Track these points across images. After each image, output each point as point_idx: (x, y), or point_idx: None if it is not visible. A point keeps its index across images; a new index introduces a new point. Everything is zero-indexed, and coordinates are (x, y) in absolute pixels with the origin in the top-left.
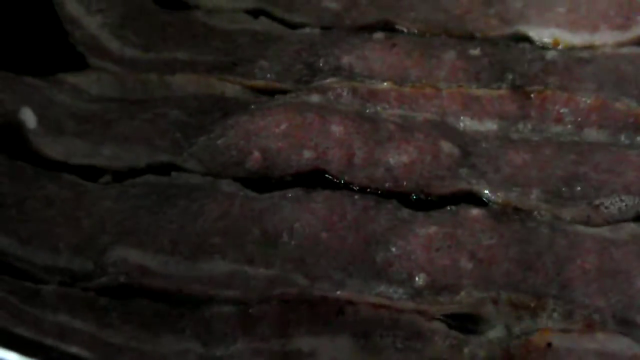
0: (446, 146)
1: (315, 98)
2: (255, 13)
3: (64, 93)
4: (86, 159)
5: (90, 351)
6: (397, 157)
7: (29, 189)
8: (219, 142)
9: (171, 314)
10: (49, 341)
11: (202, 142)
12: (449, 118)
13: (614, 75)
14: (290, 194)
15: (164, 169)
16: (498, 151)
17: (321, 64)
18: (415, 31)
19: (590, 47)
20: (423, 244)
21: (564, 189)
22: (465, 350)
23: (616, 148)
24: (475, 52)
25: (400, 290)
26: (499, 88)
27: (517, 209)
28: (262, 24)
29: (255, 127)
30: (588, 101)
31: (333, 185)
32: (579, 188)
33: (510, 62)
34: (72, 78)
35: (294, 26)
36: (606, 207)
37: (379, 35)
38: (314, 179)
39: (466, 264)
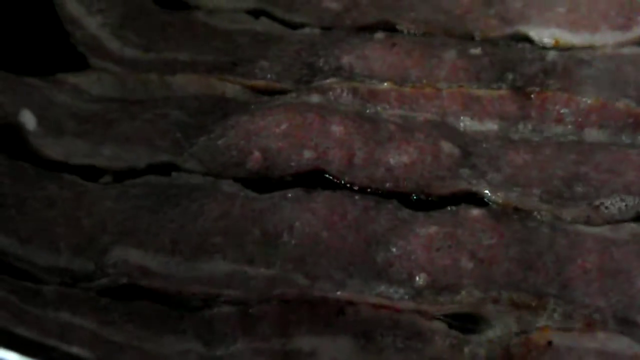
0: (446, 146)
1: (315, 98)
2: (255, 13)
3: (64, 93)
4: (86, 159)
5: (92, 351)
6: (398, 157)
7: (29, 189)
8: (219, 142)
9: (172, 314)
10: (50, 341)
11: (203, 142)
12: (450, 118)
13: (615, 75)
14: (290, 194)
15: (165, 169)
16: (498, 151)
17: (321, 64)
18: (416, 32)
19: (590, 48)
20: (423, 244)
21: (564, 189)
22: (466, 349)
23: (617, 148)
24: (476, 51)
25: (401, 291)
26: (500, 88)
27: (517, 209)
28: (263, 24)
29: (255, 127)
30: (588, 101)
31: (333, 185)
32: (579, 188)
33: (510, 62)
34: (72, 78)
35: (294, 26)
36: (606, 207)
37: (379, 35)
38: (314, 179)
39: (467, 264)
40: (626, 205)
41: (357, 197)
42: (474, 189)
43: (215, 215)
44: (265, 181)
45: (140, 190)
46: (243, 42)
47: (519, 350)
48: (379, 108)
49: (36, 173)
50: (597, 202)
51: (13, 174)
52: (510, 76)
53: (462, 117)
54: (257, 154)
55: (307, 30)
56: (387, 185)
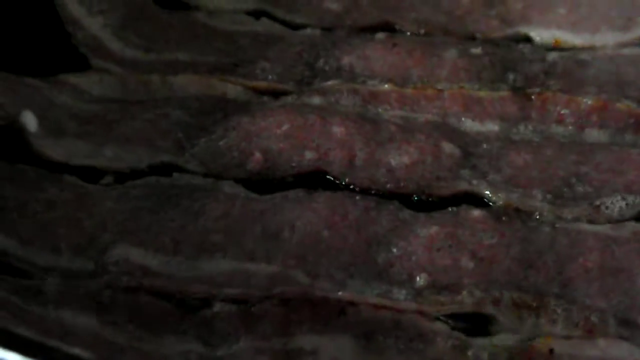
0: (447, 147)
1: (316, 99)
2: (256, 14)
3: (65, 94)
4: (88, 160)
5: (92, 351)
6: (399, 158)
7: (30, 191)
8: (220, 143)
9: (173, 314)
10: (51, 341)
11: (204, 143)
12: (450, 119)
13: (615, 76)
14: (291, 194)
15: (166, 170)
16: (499, 152)
17: (322, 65)
18: (416, 32)
19: (591, 48)
20: (424, 244)
21: (565, 189)
22: (469, 352)
23: (617, 148)
24: (477, 51)
25: (402, 291)
26: (500, 89)
27: (518, 210)
28: (264, 25)
29: (256, 128)
30: (589, 102)
31: (334, 186)
32: (580, 188)
33: (511, 63)
34: (73, 79)
35: (295, 27)
36: (607, 207)
37: (380, 35)
38: (315, 180)
39: (467, 264)
40: (627, 205)
41: (358, 197)
42: (475, 189)
43: (216, 215)
44: (266, 182)
45: (141, 191)
46: (244, 42)
47: (522, 357)
48: (379, 109)
49: (37, 175)
50: (598, 202)
51: (14, 176)
52: (510, 76)
53: (463, 118)
54: (258, 154)
55: (307, 31)
56: (388, 186)
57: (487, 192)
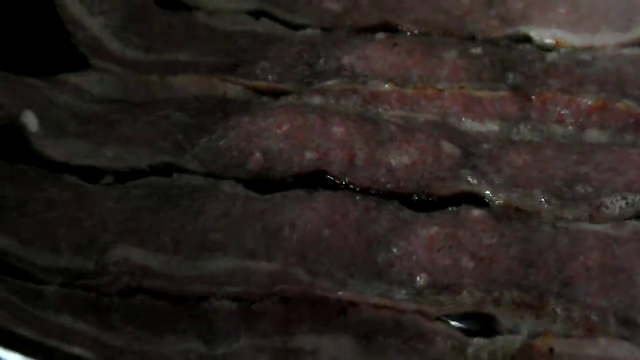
0: (448, 147)
1: (316, 100)
2: (256, 14)
3: (66, 94)
4: (88, 160)
5: (93, 352)
6: (399, 158)
7: (30, 191)
8: (220, 143)
9: (173, 314)
10: (52, 342)
11: (204, 143)
12: (451, 119)
13: (615, 76)
14: (291, 194)
15: (166, 170)
16: (499, 152)
17: (323, 65)
18: (416, 33)
19: (591, 49)
20: (424, 244)
21: (565, 189)
22: (469, 352)
23: (618, 148)
24: (477, 51)
25: (402, 291)
26: (500, 89)
27: (518, 210)
28: (264, 26)
29: (256, 129)
30: (589, 102)
31: (334, 187)
32: (580, 188)
33: (511, 63)
34: (74, 79)
35: (295, 27)
36: (608, 207)
37: (380, 35)
38: (315, 180)
39: (467, 264)
40: (627, 204)
41: (358, 197)
42: (475, 189)
43: (216, 215)
44: (266, 182)
45: (141, 191)
46: (244, 43)
47: (522, 357)
48: (380, 109)
49: (37, 175)
50: (598, 202)
51: (14, 176)
52: (511, 77)
53: (463, 118)
54: (258, 155)
55: (308, 31)
56: (389, 186)
57: (488, 192)
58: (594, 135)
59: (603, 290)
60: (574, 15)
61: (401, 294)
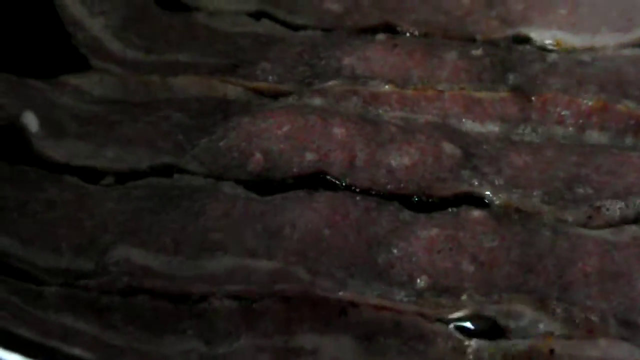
0: (448, 148)
1: (317, 101)
2: (257, 15)
3: (66, 95)
4: (89, 160)
5: (93, 353)
6: (399, 158)
7: (30, 192)
8: (220, 144)
9: (173, 313)
10: (52, 342)
11: (204, 144)
12: (451, 120)
13: (616, 77)
14: (291, 195)
15: (166, 170)
16: (500, 153)
17: (323, 66)
18: (417, 33)
19: (591, 49)
20: (424, 245)
21: (565, 191)
22: (468, 353)
23: (618, 150)
24: (477, 52)
25: (402, 292)
26: (501, 89)
27: (518, 211)
28: (264, 26)
29: (257, 129)
30: (589, 103)
31: (335, 187)
32: (580, 190)
33: (511, 64)
34: (74, 80)
35: (295, 28)
36: (607, 209)
37: (380, 36)
38: (315, 181)
39: (468, 267)
40: (627, 207)
41: (358, 198)
42: (475, 190)
43: (216, 215)
44: (266, 183)
45: (142, 191)
46: (244, 43)
47: (522, 358)
48: (380, 110)
49: (37, 176)
50: (598, 204)
51: (14, 177)
52: (511, 77)
53: (463, 119)
54: (258, 155)
55: (308, 32)
56: (389, 187)
57: (488, 193)
58: (594, 136)
59: (602, 294)
60: (574, 16)
61: (401, 295)
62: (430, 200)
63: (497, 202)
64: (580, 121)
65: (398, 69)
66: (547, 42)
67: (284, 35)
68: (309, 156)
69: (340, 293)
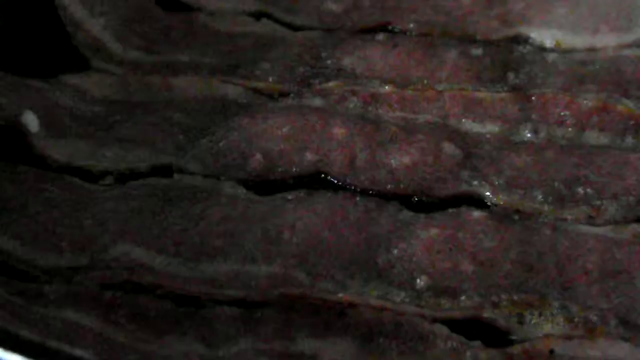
0: (448, 148)
1: (317, 101)
2: (257, 15)
3: (66, 95)
4: (89, 161)
5: (94, 352)
6: (399, 158)
7: (31, 192)
8: (221, 144)
9: (174, 314)
10: (53, 343)
11: (204, 144)
12: (451, 120)
13: (616, 77)
14: (291, 196)
15: (166, 171)
16: (500, 153)
17: (323, 66)
18: (417, 33)
19: (591, 49)
20: (424, 246)
21: (565, 191)
22: (467, 353)
23: (618, 151)
24: (477, 52)
25: (402, 293)
26: (501, 89)
27: (518, 211)
28: (264, 26)
29: (257, 129)
30: (589, 104)
31: (334, 187)
32: (580, 190)
33: (511, 64)
34: (74, 80)
35: (295, 28)
36: (607, 210)
37: (380, 36)
38: (315, 181)
39: (467, 267)
40: (627, 208)
41: (358, 198)
42: (475, 190)
43: (216, 217)
44: (266, 183)
45: (142, 191)
46: (245, 44)
47: (521, 358)
48: (380, 110)
49: (38, 175)
50: (598, 205)
51: (15, 177)
52: (511, 77)
53: (463, 119)
54: (258, 156)
55: (308, 32)
56: (389, 187)
57: (488, 193)
58: (594, 136)
59: (603, 292)
60: (574, 16)
61: (401, 296)
62: (430, 200)
63: (497, 203)
64: (580, 121)
65: (398, 69)
66: (547, 42)
67: (284, 36)
68: (309, 156)
69: (340, 294)
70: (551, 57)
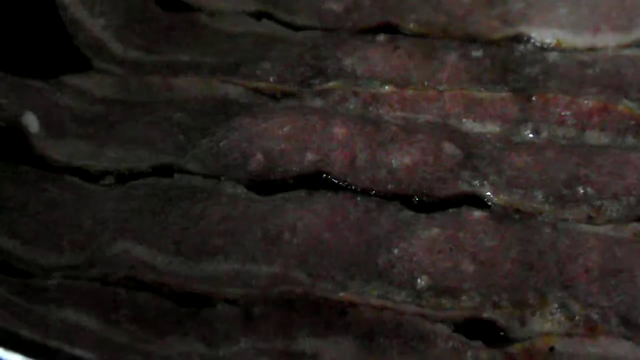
0: (448, 148)
1: (317, 101)
2: (257, 15)
3: (67, 95)
4: (89, 161)
5: (94, 352)
6: (400, 158)
7: (31, 192)
8: (221, 144)
9: (175, 314)
10: (53, 342)
11: (205, 144)
12: (451, 120)
13: (616, 77)
14: (292, 196)
15: (167, 170)
16: (500, 153)
17: (324, 66)
18: (417, 33)
19: (592, 49)
20: (425, 246)
21: (566, 191)
22: (468, 353)
23: (618, 150)
24: (478, 53)
25: (402, 293)
26: (501, 90)
27: (519, 211)
28: (265, 26)
29: (257, 130)
30: (590, 104)
31: (335, 187)
32: (581, 190)
33: (512, 64)
34: (75, 80)
35: (296, 28)
36: (608, 210)
37: (381, 37)
38: (316, 181)
39: (468, 267)
40: (627, 208)
41: (359, 198)
42: (476, 190)
43: (217, 217)
44: (267, 183)
45: (142, 191)
46: (245, 44)
47: (522, 356)
48: (380, 110)
49: (38, 176)
50: (598, 204)
51: (15, 177)
52: (511, 77)
53: (463, 120)
54: (259, 156)
55: (309, 32)
56: (389, 187)
57: (488, 193)
58: (594, 136)
59: (604, 290)
60: (574, 16)
61: (401, 296)
62: (430, 200)
63: (497, 203)
64: (581, 121)
65: (398, 69)
66: (548, 41)
67: (284, 36)
68: (310, 156)
69: (341, 294)
70: (552, 56)
